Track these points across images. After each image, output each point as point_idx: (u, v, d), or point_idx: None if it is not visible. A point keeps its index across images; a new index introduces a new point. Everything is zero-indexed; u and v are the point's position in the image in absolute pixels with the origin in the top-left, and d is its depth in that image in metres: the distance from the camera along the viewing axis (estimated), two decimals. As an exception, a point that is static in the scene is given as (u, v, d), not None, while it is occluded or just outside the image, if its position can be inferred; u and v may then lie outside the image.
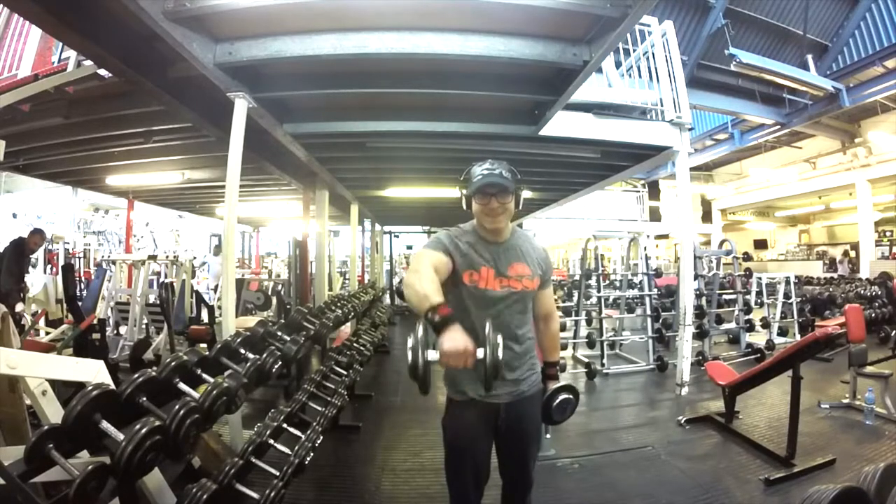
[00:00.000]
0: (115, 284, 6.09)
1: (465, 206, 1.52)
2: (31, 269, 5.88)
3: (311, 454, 2.20)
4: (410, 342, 1.08)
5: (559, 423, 1.66)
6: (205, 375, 1.72)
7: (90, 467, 1.15)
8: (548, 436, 2.95)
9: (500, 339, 1.09)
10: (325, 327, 2.91)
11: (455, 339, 1.08)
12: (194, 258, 9.58)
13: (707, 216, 15.71)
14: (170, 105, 3.22)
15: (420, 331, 1.09)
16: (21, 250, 5.13)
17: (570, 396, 1.60)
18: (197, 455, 2.46)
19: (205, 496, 1.48)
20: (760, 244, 18.06)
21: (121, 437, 1.22)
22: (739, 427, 3.22)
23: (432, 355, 1.08)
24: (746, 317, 5.64)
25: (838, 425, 3.32)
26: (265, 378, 2.01)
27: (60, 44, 3.24)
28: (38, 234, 5.40)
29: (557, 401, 1.58)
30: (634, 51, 4.25)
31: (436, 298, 1.16)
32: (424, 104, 3.45)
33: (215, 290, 8.45)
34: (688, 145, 4.29)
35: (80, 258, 9.65)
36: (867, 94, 8.01)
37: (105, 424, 1.25)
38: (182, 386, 1.58)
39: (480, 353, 1.09)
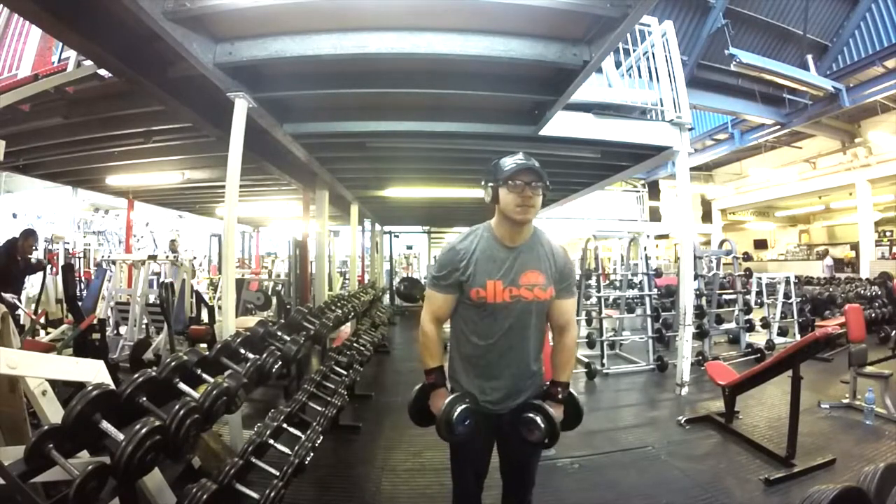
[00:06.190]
0: (115, 284, 6.08)
1: (489, 199, 1.44)
2: (28, 278, 5.23)
3: (311, 454, 2.20)
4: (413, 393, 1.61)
5: (533, 443, 1.44)
6: (205, 375, 1.73)
7: (90, 467, 1.14)
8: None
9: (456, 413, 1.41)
10: (325, 327, 2.91)
11: (436, 405, 1.47)
12: (194, 258, 9.56)
13: (707, 216, 15.71)
14: (170, 105, 3.22)
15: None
16: (12, 255, 4.55)
17: (539, 420, 1.40)
18: (197, 455, 2.46)
19: (205, 496, 1.48)
20: (760, 244, 18.06)
21: (121, 437, 1.22)
22: (739, 427, 3.22)
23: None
24: (746, 317, 5.64)
25: (838, 425, 3.32)
26: (265, 378, 2.01)
27: (60, 44, 3.24)
28: (29, 235, 4.69)
29: (525, 415, 1.42)
30: (634, 51, 4.25)
31: (433, 363, 1.51)
32: (424, 104, 3.44)
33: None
34: (688, 145, 4.28)
35: (80, 258, 9.62)
36: (867, 94, 8.02)
37: (105, 424, 1.25)
38: (182, 386, 1.58)
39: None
